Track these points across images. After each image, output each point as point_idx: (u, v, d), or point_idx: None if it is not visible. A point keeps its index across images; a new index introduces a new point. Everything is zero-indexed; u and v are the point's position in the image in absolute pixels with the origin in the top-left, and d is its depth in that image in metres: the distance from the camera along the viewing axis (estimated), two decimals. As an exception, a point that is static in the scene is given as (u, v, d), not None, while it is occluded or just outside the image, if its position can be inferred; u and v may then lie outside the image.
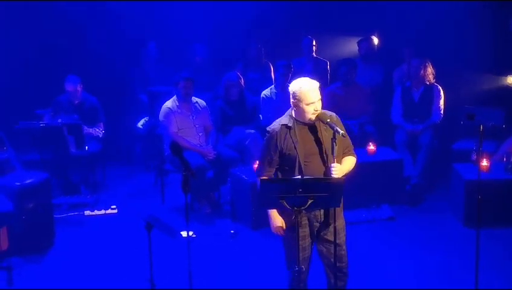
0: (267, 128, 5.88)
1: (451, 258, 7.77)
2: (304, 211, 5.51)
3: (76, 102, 10.28)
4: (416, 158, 9.94)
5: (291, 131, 5.72)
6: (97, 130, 10.29)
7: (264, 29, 12.38)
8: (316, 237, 5.87)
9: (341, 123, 5.84)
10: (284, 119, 5.83)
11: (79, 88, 10.24)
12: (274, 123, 5.87)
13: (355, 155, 5.99)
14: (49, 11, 11.34)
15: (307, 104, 5.65)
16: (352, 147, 5.98)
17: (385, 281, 7.21)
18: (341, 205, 5.81)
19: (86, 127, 9.94)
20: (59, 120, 9.82)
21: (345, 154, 5.88)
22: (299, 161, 5.67)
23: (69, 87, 10.19)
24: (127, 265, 7.73)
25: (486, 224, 7.32)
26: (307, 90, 5.66)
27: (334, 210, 5.68)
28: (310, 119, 5.68)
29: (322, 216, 5.77)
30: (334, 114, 5.86)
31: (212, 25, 12.08)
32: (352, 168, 5.90)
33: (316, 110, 5.66)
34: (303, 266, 5.74)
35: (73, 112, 10.09)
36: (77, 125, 9.70)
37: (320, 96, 5.71)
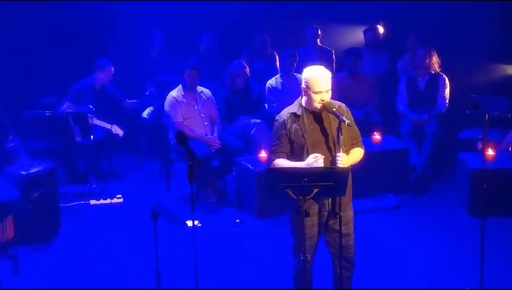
0: (276, 116, 5.92)
1: (456, 248, 7.78)
2: (312, 200, 5.53)
3: (99, 87, 10.36)
4: (421, 147, 9.92)
5: (299, 119, 5.75)
6: (117, 128, 10.24)
7: (269, 19, 12.36)
8: (325, 226, 5.89)
9: (350, 114, 5.87)
10: (292, 108, 5.85)
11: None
12: (283, 111, 5.91)
13: (364, 147, 6.00)
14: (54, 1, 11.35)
15: (314, 93, 5.66)
16: (360, 139, 5.98)
17: (390, 270, 7.22)
18: (350, 195, 5.86)
19: (105, 123, 10.05)
20: (91, 106, 10.02)
21: (353, 145, 5.88)
22: (306, 149, 5.69)
23: (104, 73, 10.32)
24: (133, 254, 7.75)
25: (492, 213, 7.32)
26: (316, 78, 5.67)
27: (341, 199, 5.68)
28: (316, 108, 5.70)
29: (330, 205, 5.78)
30: (343, 104, 5.89)
31: (217, 14, 12.06)
32: (359, 159, 5.90)
33: (322, 100, 5.66)
34: (308, 255, 5.75)
35: (95, 99, 10.13)
36: (83, 114, 9.73)
37: (330, 87, 5.71)
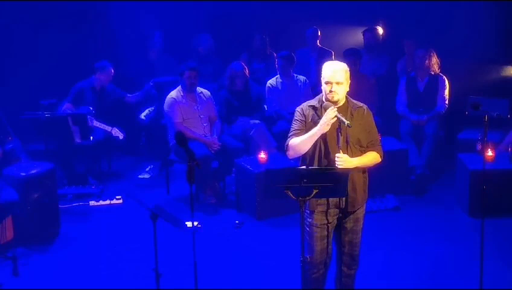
0: (296, 108, 5.91)
1: (456, 248, 7.77)
2: (323, 200, 5.55)
3: (99, 88, 10.38)
4: (421, 148, 9.93)
5: (317, 112, 5.74)
6: (117, 131, 10.19)
7: (268, 19, 12.36)
8: (337, 224, 5.88)
9: (371, 116, 5.87)
10: (312, 101, 5.88)
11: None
12: (303, 104, 5.91)
13: (380, 151, 5.90)
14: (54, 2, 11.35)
15: (324, 83, 5.69)
16: (378, 143, 5.90)
17: (390, 270, 7.23)
18: (366, 194, 5.92)
19: (105, 125, 10.00)
20: (90, 108, 9.99)
21: (368, 148, 5.83)
22: (318, 143, 5.69)
23: (104, 74, 10.36)
24: (132, 255, 7.74)
25: (491, 214, 7.30)
26: (326, 68, 5.72)
27: (355, 199, 5.71)
28: (326, 100, 5.68)
29: (343, 204, 5.76)
30: (364, 106, 5.88)
31: (216, 15, 12.06)
32: (371, 163, 5.84)
33: (332, 92, 5.64)
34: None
35: (95, 99, 10.15)
36: (82, 115, 9.73)
37: (341, 81, 5.68)
